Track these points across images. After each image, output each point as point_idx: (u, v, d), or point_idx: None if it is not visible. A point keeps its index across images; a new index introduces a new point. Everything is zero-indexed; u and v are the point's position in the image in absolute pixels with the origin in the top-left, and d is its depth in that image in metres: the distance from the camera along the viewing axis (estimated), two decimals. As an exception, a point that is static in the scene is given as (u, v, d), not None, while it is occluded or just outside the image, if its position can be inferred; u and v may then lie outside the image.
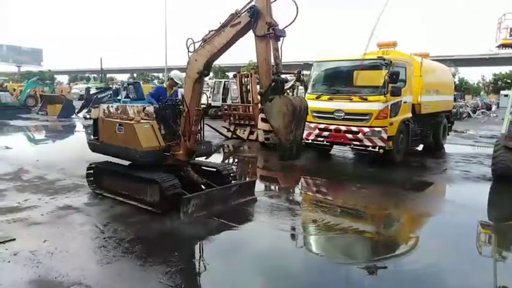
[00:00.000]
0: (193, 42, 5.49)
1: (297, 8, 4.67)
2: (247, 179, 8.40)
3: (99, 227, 5.01)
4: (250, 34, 4.95)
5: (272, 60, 4.87)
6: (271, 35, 4.75)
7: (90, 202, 6.10)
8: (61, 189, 6.75)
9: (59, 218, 5.33)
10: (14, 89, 27.57)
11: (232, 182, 6.42)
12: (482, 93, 48.81)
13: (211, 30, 5.37)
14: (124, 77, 71.65)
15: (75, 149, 7.67)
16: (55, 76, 72.80)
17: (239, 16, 5.02)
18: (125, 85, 22.29)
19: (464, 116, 25.69)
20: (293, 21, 4.74)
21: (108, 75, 74.75)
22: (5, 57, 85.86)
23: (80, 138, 7.15)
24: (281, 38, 4.86)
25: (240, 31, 5.04)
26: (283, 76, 5.05)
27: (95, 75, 76.27)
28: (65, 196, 6.32)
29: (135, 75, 73.02)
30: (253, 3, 4.87)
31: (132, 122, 5.90)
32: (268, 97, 4.83)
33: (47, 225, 5.03)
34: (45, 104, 23.27)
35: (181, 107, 5.82)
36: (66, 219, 5.29)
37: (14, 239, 4.47)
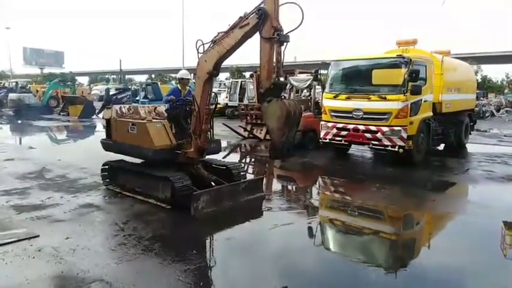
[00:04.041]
0: (203, 44, 5.64)
1: (303, 14, 4.80)
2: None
3: (119, 225, 5.09)
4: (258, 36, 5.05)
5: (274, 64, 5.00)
6: (275, 39, 4.89)
7: (111, 200, 6.22)
8: (82, 187, 6.90)
9: (80, 215, 5.45)
10: (37, 90, 28.35)
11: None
12: (506, 91, 47.27)
13: (220, 32, 5.47)
14: (142, 78, 72.79)
15: (95, 148, 7.81)
16: (76, 77, 74.52)
17: (247, 18, 5.13)
18: (143, 86, 22.69)
19: (487, 114, 24.95)
20: (298, 26, 4.88)
21: (127, 76, 76.00)
22: (28, 59, 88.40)
23: (100, 138, 7.30)
24: (284, 44, 4.99)
25: (248, 32, 5.16)
26: (283, 80, 5.34)
27: (114, 76, 77.67)
28: (86, 194, 6.46)
29: (153, 76, 73.90)
30: (261, 5, 4.98)
31: (145, 121, 6.07)
32: (266, 98, 5.06)
33: (69, 223, 5.15)
34: (66, 105, 23.87)
35: (192, 106, 5.94)
36: (88, 217, 5.40)
37: (38, 236, 4.60)
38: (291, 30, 4.94)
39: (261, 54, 5.03)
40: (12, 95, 24.79)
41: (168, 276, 3.77)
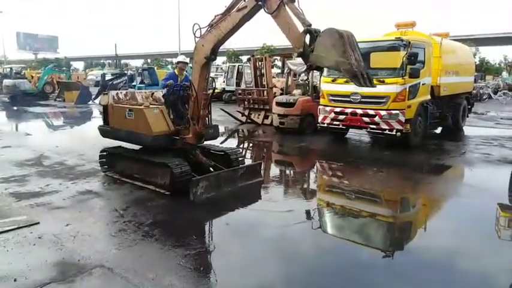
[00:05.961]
0: (200, 28, 5.51)
1: None
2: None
3: (118, 211, 5.12)
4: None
5: (296, 22, 4.66)
6: (285, 1, 4.63)
7: (109, 187, 6.23)
8: (81, 174, 6.90)
9: (80, 202, 5.47)
10: (32, 76, 27.98)
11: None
12: (504, 73, 47.15)
13: (217, 15, 5.32)
14: (138, 63, 71.99)
15: (93, 134, 7.80)
16: (71, 63, 73.65)
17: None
18: (139, 71, 22.45)
19: (484, 97, 24.93)
20: None
21: (122, 61, 75.22)
22: (22, 44, 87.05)
23: (97, 124, 7.27)
24: (295, 0, 4.72)
25: (247, 14, 4.99)
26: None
27: (110, 61, 76.80)
28: (85, 181, 6.46)
29: (149, 60, 73.11)
30: None
31: (142, 107, 6.02)
32: (309, 49, 4.53)
33: (68, 210, 5.17)
34: (62, 91, 23.66)
35: (189, 91, 5.89)
36: (87, 204, 5.42)
37: (38, 223, 4.62)
38: None
39: (279, 26, 4.71)
40: (7, 81, 24.49)
41: (168, 261, 3.81)
